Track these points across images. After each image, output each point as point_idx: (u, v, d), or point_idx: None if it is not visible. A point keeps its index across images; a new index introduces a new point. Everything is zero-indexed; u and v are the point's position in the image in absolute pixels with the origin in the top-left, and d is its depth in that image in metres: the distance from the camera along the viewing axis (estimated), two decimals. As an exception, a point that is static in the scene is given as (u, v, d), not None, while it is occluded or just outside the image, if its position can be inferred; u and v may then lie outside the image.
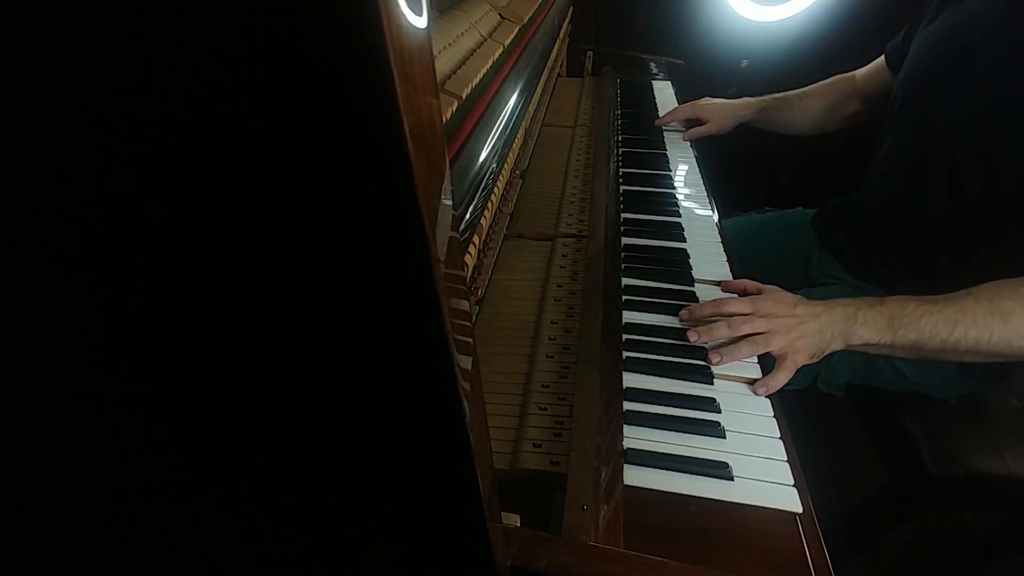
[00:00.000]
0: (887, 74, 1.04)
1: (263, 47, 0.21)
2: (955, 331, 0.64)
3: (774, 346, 0.65)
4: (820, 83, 1.16)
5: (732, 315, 0.67)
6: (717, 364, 0.66)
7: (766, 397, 0.64)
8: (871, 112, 1.11)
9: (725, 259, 0.87)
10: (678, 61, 1.67)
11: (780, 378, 0.65)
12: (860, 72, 1.12)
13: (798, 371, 0.91)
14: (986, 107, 0.76)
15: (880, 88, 1.06)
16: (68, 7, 0.22)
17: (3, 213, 0.28)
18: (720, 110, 1.22)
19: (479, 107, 0.55)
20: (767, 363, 0.68)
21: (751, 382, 0.66)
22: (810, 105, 1.15)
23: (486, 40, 0.72)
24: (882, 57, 1.05)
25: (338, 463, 0.42)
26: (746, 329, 0.66)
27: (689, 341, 0.67)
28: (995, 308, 0.64)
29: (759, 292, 0.72)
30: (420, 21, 0.20)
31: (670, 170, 1.13)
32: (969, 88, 0.78)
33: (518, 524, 0.46)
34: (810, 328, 0.66)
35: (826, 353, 0.68)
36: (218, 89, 0.23)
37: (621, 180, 1.06)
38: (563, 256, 0.84)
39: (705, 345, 0.68)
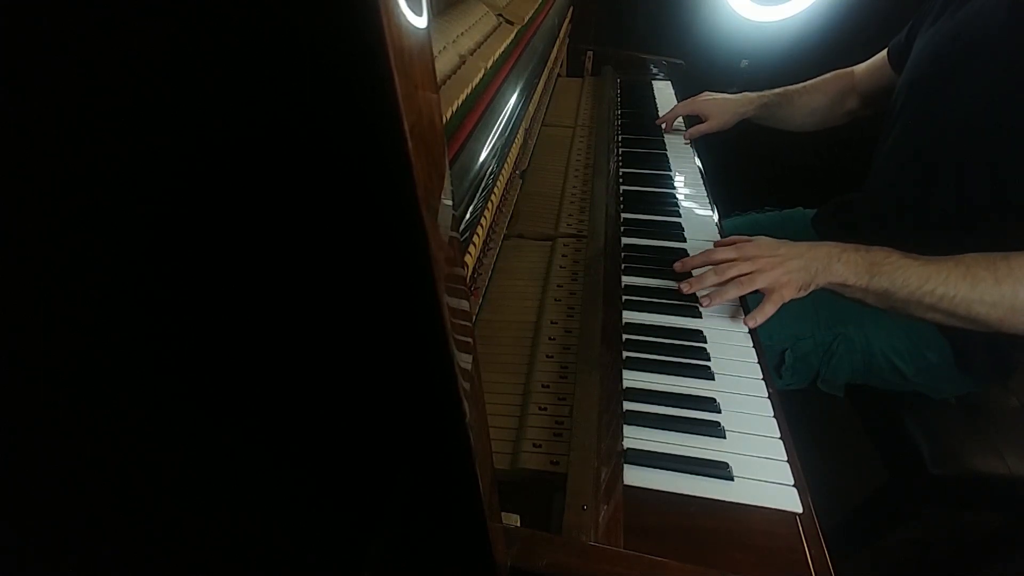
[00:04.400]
0: (888, 71, 1.03)
1: (263, 47, 0.21)
2: (924, 286, 0.67)
3: (759, 284, 0.70)
4: (820, 78, 1.16)
5: (719, 262, 0.73)
6: (707, 306, 0.72)
7: (766, 397, 0.64)
8: (869, 109, 1.11)
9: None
10: (678, 61, 1.67)
11: (767, 310, 0.70)
12: (859, 68, 1.11)
13: (798, 371, 0.93)
14: (991, 108, 0.75)
15: (880, 85, 1.05)
16: (69, 7, 0.22)
17: (3, 213, 0.28)
18: (720, 106, 1.21)
19: (479, 107, 0.55)
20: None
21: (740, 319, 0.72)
22: (810, 101, 1.15)
23: (486, 40, 0.72)
24: (883, 53, 1.04)
25: (338, 463, 0.42)
26: (731, 273, 0.71)
27: (682, 291, 0.74)
28: (968, 273, 0.66)
29: (747, 242, 0.78)
30: (420, 21, 0.20)
31: (670, 170, 1.13)
32: (974, 88, 0.78)
33: (518, 524, 0.46)
34: (794, 264, 0.70)
35: (812, 287, 0.71)
36: (218, 89, 0.23)
37: (621, 180, 1.06)
38: (563, 256, 0.84)
39: (697, 294, 0.74)
